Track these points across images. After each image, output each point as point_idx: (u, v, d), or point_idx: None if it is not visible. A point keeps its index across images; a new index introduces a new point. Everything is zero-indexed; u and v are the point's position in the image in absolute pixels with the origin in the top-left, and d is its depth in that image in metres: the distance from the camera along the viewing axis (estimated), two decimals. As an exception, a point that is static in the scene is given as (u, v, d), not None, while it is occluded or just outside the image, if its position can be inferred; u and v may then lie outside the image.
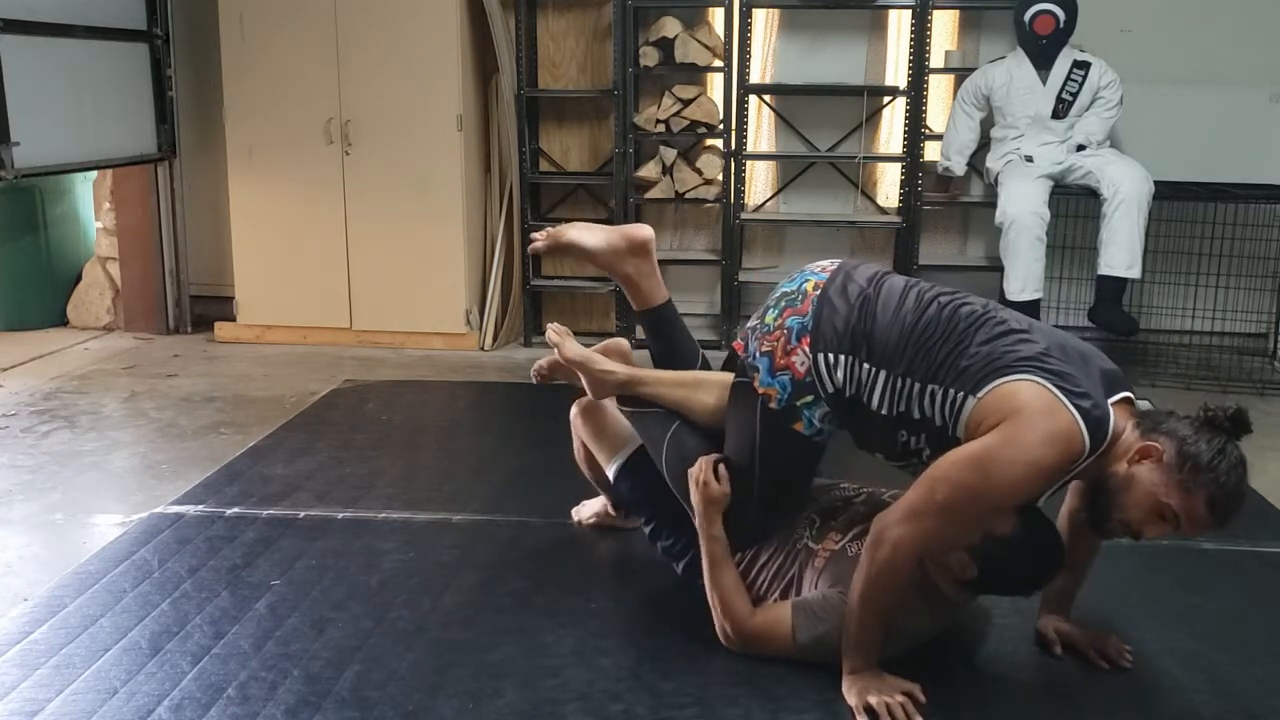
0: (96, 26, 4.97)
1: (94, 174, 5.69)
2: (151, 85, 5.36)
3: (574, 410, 2.84)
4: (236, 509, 3.21)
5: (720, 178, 5.34)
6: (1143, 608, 2.69)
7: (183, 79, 5.49)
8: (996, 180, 4.98)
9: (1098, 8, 5.03)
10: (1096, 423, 2.07)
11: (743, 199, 5.40)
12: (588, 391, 2.69)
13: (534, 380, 2.91)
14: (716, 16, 5.32)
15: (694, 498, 2.40)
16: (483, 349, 5.34)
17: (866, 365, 2.24)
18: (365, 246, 5.28)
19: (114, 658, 2.38)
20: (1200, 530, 2.14)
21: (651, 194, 5.37)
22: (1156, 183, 4.72)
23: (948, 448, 2.14)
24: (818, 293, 2.32)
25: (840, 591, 2.26)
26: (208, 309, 5.66)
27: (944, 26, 5.38)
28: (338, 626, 2.52)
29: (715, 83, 5.40)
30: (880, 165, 5.55)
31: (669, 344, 2.72)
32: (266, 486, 3.40)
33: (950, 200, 5.42)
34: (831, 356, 2.27)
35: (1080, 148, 4.90)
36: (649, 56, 5.23)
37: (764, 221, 5.54)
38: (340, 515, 3.19)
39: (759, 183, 5.61)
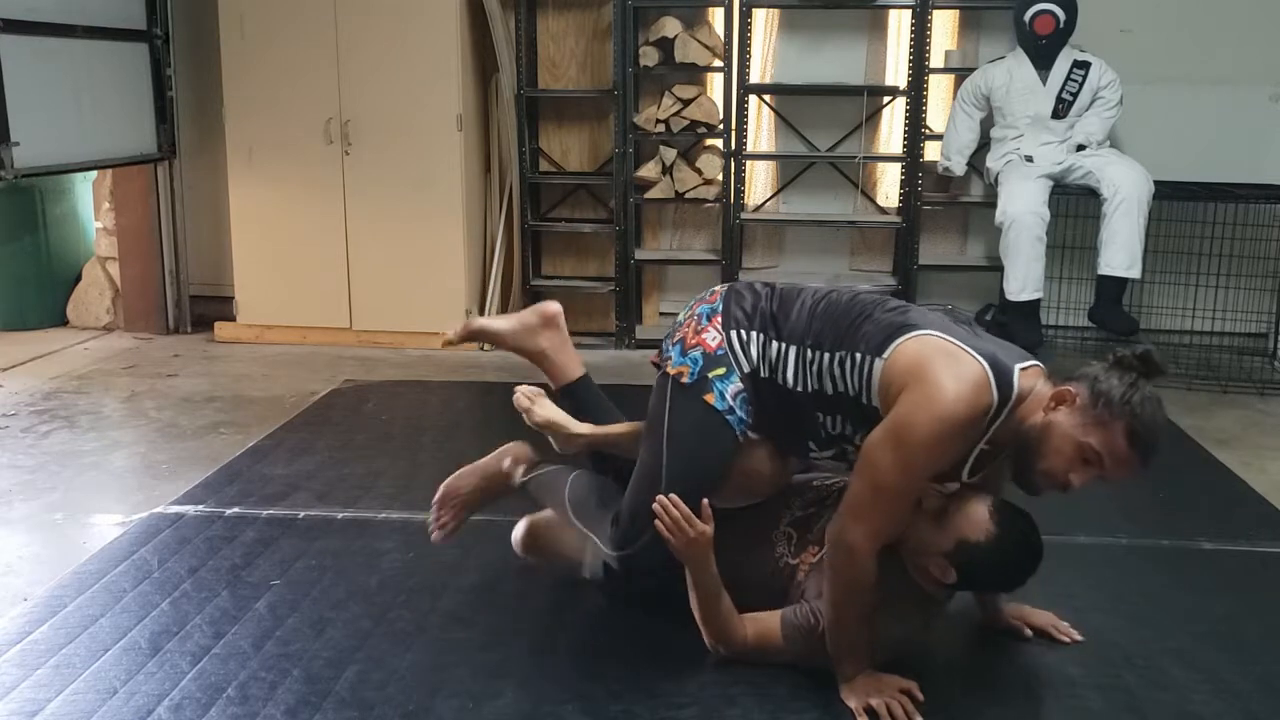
0: (96, 26, 4.96)
1: (94, 174, 5.68)
2: (151, 85, 5.36)
3: (519, 543, 2.75)
4: (236, 509, 3.21)
5: (720, 178, 5.34)
6: (1143, 608, 2.69)
7: (183, 79, 5.49)
8: (996, 180, 4.98)
9: (1098, 8, 5.03)
10: (1001, 371, 2.10)
11: (743, 199, 5.40)
12: (554, 445, 2.67)
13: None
14: (716, 16, 5.32)
15: (675, 546, 2.27)
16: (482, 349, 5.33)
17: (776, 343, 2.28)
18: (365, 246, 5.28)
19: (114, 658, 2.38)
20: (1126, 469, 2.11)
21: (651, 194, 5.37)
22: (1156, 183, 4.72)
23: (870, 424, 2.16)
24: (723, 288, 2.41)
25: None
26: (208, 309, 5.66)
27: (944, 26, 5.37)
28: (337, 626, 2.52)
29: (715, 83, 5.40)
30: (880, 165, 5.55)
31: (594, 419, 2.66)
32: (266, 486, 3.40)
33: (950, 200, 5.42)
34: (743, 334, 2.30)
35: (1080, 148, 4.90)
36: (649, 56, 5.23)
37: (764, 221, 5.54)
38: (340, 515, 3.19)
39: (759, 183, 5.61)
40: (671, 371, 2.34)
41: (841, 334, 2.22)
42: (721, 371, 2.29)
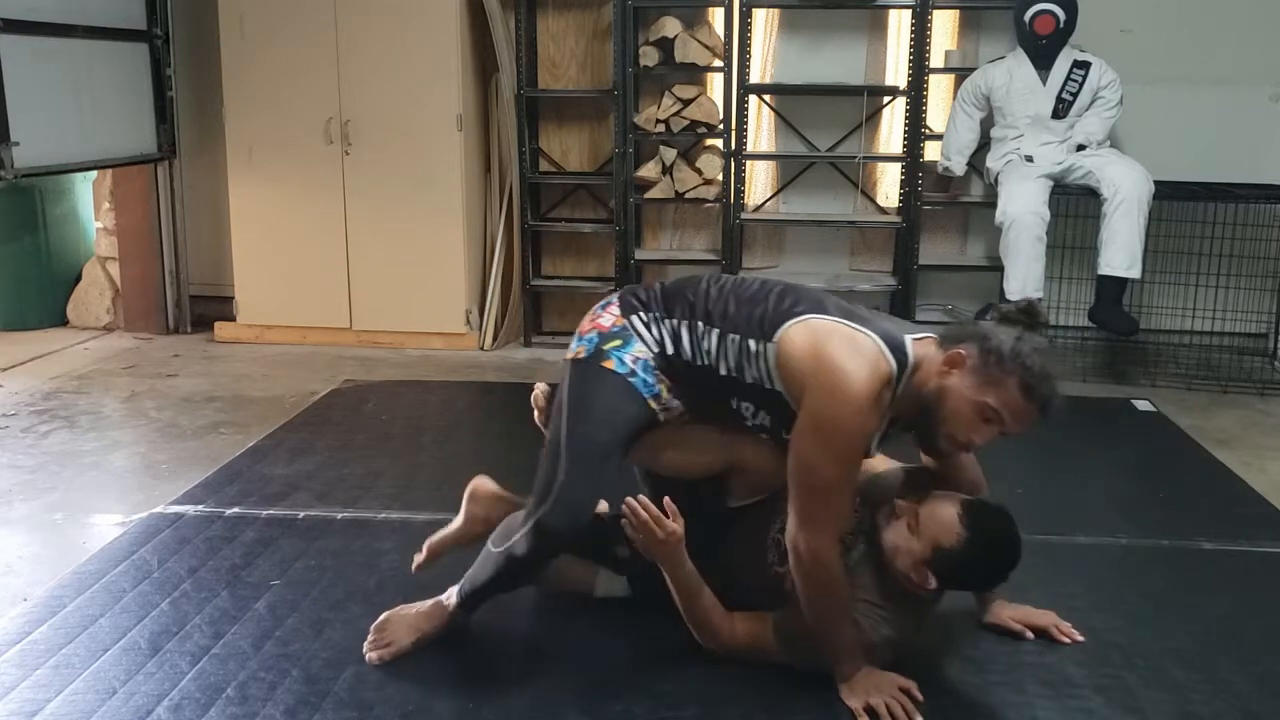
0: (96, 26, 4.96)
1: (94, 174, 5.69)
2: (151, 85, 5.36)
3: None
4: (236, 509, 3.21)
5: (720, 178, 5.34)
6: (1143, 608, 2.68)
7: (183, 79, 5.49)
8: (996, 180, 4.98)
9: (1098, 8, 5.03)
10: (892, 341, 2.15)
11: (743, 199, 5.40)
12: None
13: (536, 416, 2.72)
14: (716, 16, 5.32)
15: (643, 547, 2.26)
16: (482, 349, 5.34)
17: (670, 320, 2.30)
18: (365, 246, 5.28)
19: (113, 658, 2.38)
20: (1025, 421, 2.13)
21: (651, 194, 5.37)
22: (1156, 183, 4.71)
23: (781, 410, 2.20)
24: (619, 291, 2.45)
25: None
26: (208, 309, 5.66)
27: (944, 26, 5.37)
28: (337, 627, 2.52)
29: (715, 83, 5.40)
30: (880, 165, 5.55)
31: None
32: (266, 486, 3.40)
33: (950, 200, 5.42)
34: (642, 314, 2.32)
35: (1080, 148, 4.89)
36: (649, 56, 5.23)
37: (764, 221, 5.54)
38: (340, 515, 3.19)
39: (759, 183, 5.61)
40: (569, 356, 2.36)
41: (732, 314, 2.25)
42: (618, 343, 2.30)
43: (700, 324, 2.27)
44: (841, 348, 2.13)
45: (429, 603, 2.45)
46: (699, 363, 2.27)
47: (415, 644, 2.40)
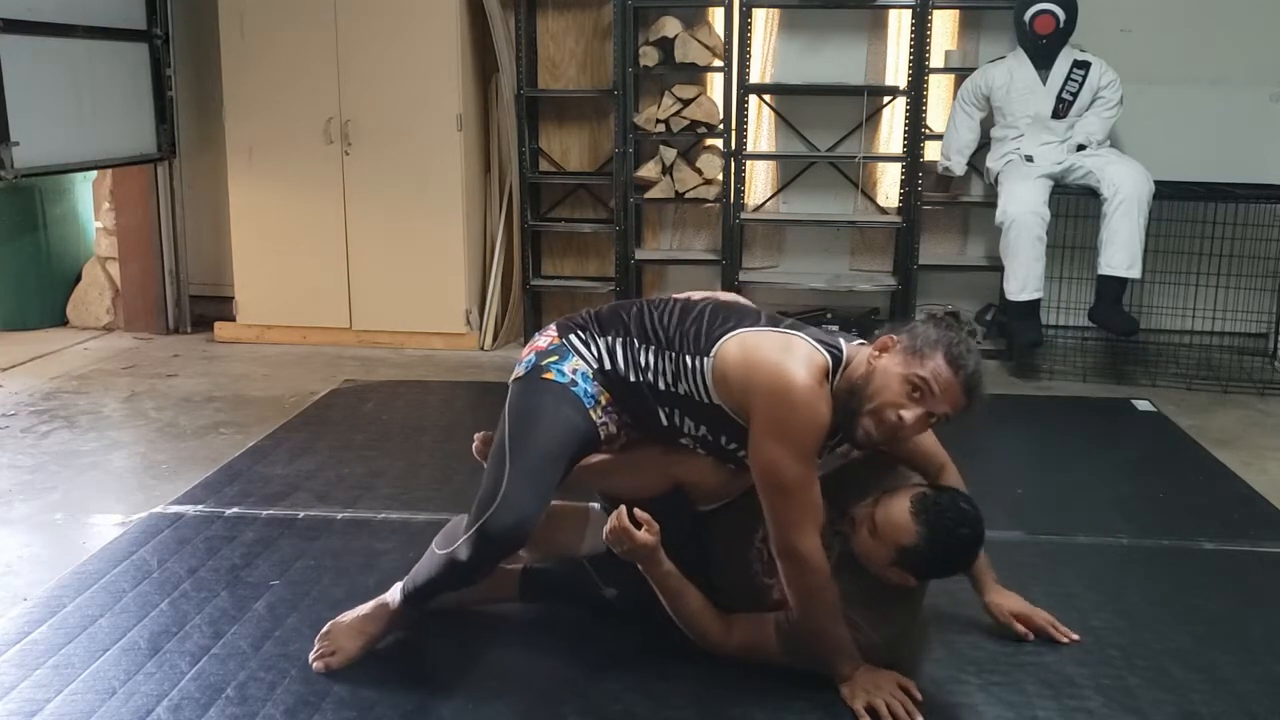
0: (96, 26, 4.96)
1: (94, 174, 5.68)
2: (151, 85, 5.36)
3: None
4: (236, 509, 3.21)
5: (720, 177, 5.34)
6: (1143, 608, 2.69)
7: (183, 79, 5.49)
8: (996, 180, 4.97)
9: (1098, 8, 5.03)
10: (823, 340, 2.23)
11: (743, 199, 5.39)
12: None
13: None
14: (716, 16, 5.32)
15: (624, 553, 2.25)
16: (483, 349, 5.34)
17: (604, 338, 2.34)
18: (365, 246, 5.28)
19: (113, 658, 2.38)
20: (952, 396, 2.15)
21: (651, 194, 5.37)
22: (1156, 183, 4.71)
23: (721, 425, 2.26)
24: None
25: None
26: (208, 309, 5.66)
27: (944, 26, 5.37)
28: (337, 627, 2.52)
29: (715, 83, 5.40)
30: (880, 165, 5.55)
31: None
32: (266, 486, 3.40)
33: (950, 200, 5.42)
34: (580, 333, 2.36)
35: (1080, 148, 4.89)
36: (649, 56, 5.23)
37: (764, 221, 5.54)
38: (340, 515, 3.19)
39: (759, 183, 5.61)
40: (511, 380, 2.39)
41: (667, 332, 2.30)
42: (555, 358, 2.34)
43: (635, 340, 2.32)
44: (773, 350, 2.20)
45: (371, 605, 2.43)
46: (633, 378, 2.30)
47: (363, 648, 2.38)
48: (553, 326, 2.44)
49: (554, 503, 2.70)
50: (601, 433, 2.33)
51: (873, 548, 2.22)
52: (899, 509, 2.19)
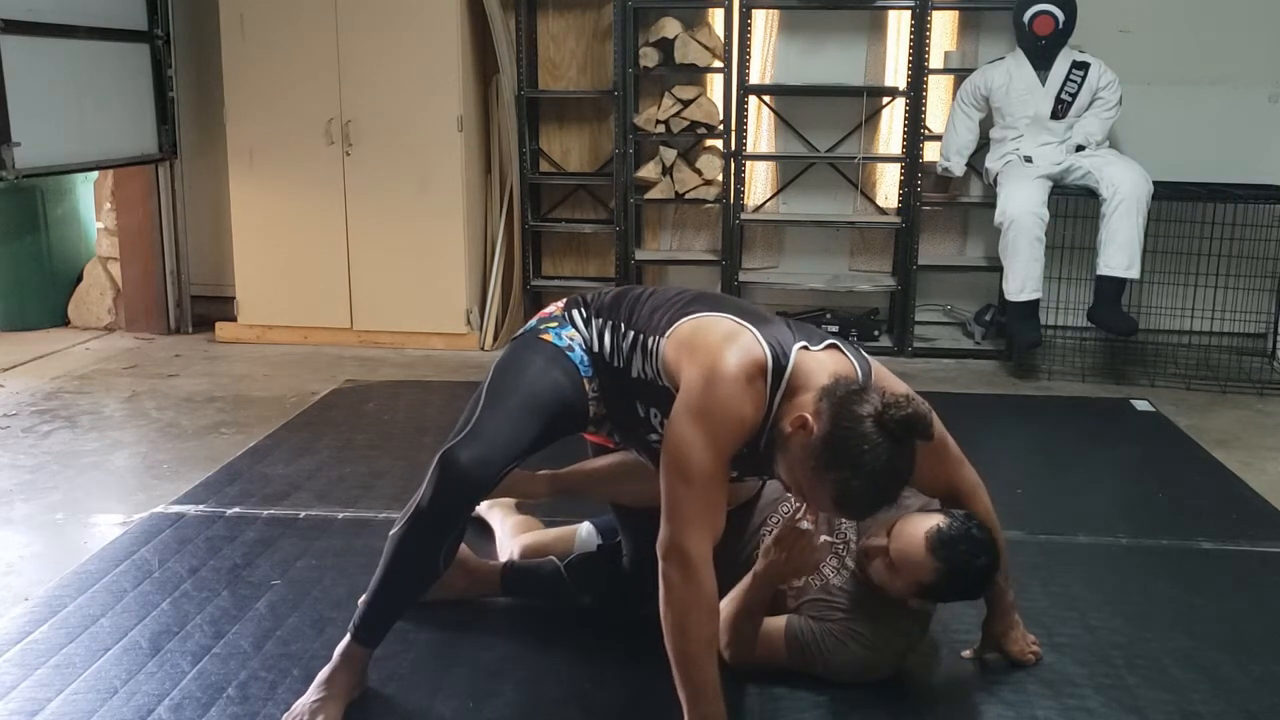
0: (97, 27, 4.96)
1: (95, 174, 5.69)
2: (152, 85, 5.36)
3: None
4: (237, 509, 3.22)
5: (720, 178, 5.34)
6: (1143, 608, 2.69)
7: (183, 79, 5.49)
8: (996, 180, 4.98)
9: (1097, 8, 5.04)
10: (774, 340, 2.06)
11: (742, 199, 5.40)
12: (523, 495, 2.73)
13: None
14: (716, 17, 5.32)
15: (790, 565, 2.24)
16: (483, 349, 5.35)
17: (598, 320, 2.31)
18: (366, 247, 5.28)
19: (114, 657, 2.39)
20: (833, 517, 2.19)
21: (651, 194, 5.37)
22: (1156, 183, 4.72)
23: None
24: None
25: (835, 619, 2.28)
26: (208, 309, 5.66)
27: (943, 27, 5.38)
28: (338, 626, 2.51)
29: (715, 83, 5.40)
30: (880, 165, 5.55)
31: None
32: (267, 486, 3.41)
33: (950, 201, 5.42)
34: (582, 311, 2.34)
35: (1079, 148, 4.90)
36: (649, 57, 5.23)
37: (764, 222, 5.55)
38: (340, 515, 3.19)
39: (759, 183, 5.62)
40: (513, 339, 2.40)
41: (644, 317, 2.25)
42: (555, 324, 2.34)
43: (622, 325, 2.28)
44: (714, 334, 2.09)
45: (328, 669, 2.22)
46: (615, 364, 2.26)
47: (351, 702, 2.21)
48: (562, 300, 2.42)
49: (550, 530, 2.77)
50: (591, 408, 2.28)
51: (891, 581, 2.23)
52: (916, 547, 2.18)
